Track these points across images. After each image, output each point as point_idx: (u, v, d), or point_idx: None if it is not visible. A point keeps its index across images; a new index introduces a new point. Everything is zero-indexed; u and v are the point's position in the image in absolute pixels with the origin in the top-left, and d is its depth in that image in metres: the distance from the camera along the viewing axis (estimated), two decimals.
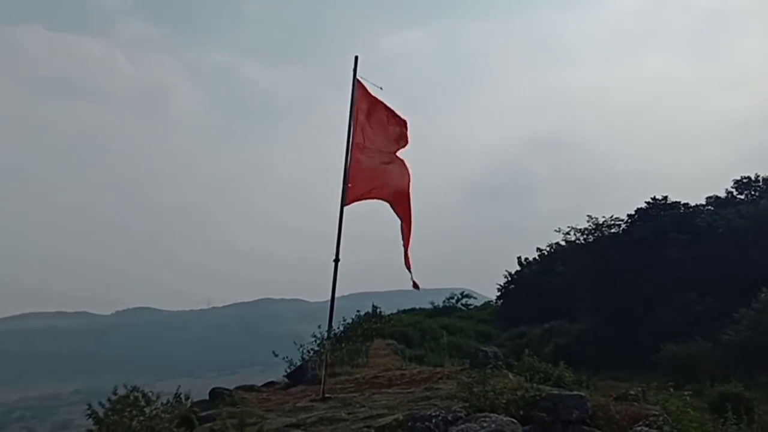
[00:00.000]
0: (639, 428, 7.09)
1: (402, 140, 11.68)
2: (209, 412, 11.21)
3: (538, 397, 7.48)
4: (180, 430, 12.61)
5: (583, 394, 7.66)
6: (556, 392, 7.69)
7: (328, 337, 11.55)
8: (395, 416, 8.16)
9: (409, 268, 11.33)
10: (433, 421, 6.48)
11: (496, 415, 6.34)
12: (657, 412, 7.52)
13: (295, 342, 21.40)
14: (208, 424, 9.96)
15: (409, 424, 6.64)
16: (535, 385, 8.31)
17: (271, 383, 14.69)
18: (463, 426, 5.96)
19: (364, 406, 9.78)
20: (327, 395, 10.97)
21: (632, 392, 9.10)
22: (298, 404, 10.81)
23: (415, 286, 11.52)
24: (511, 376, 12.07)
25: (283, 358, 18.74)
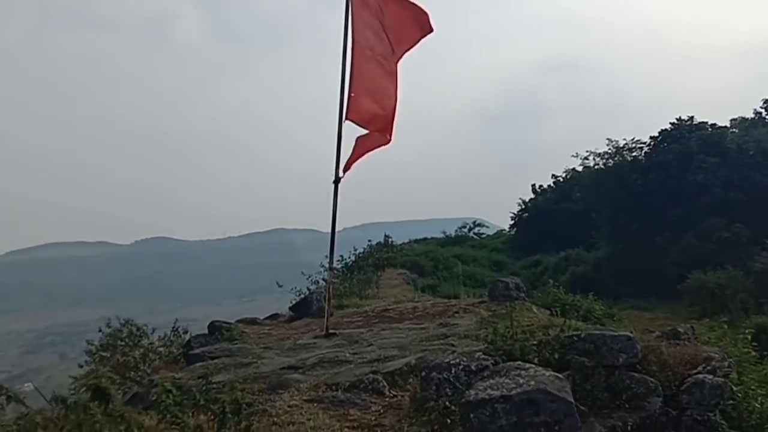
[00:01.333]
0: (700, 375, 5.97)
1: (423, 28, 10.24)
2: (204, 348, 10.29)
3: (575, 338, 6.30)
4: (175, 365, 11.85)
5: (631, 334, 6.47)
6: (597, 332, 6.48)
7: (330, 268, 10.45)
8: (407, 359, 7.10)
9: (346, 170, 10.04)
10: (453, 371, 5.30)
11: (534, 367, 5.03)
12: (716, 354, 6.36)
13: (303, 272, 20.55)
14: (200, 364, 9.03)
15: (423, 373, 5.50)
16: (572, 322, 7.17)
17: (275, 316, 13.77)
18: (492, 381, 4.75)
19: (371, 345, 8.76)
20: (332, 331, 9.98)
21: (681, 329, 7.90)
22: (300, 341, 9.83)
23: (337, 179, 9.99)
24: (534, 310, 11.01)
25: (291, 289, 17.85)
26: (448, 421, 4.95)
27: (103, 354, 11.84)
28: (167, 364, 11.85)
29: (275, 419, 5.49)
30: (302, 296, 13.97)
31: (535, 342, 6.28)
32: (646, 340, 6.79)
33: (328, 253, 10.71)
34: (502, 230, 61.05)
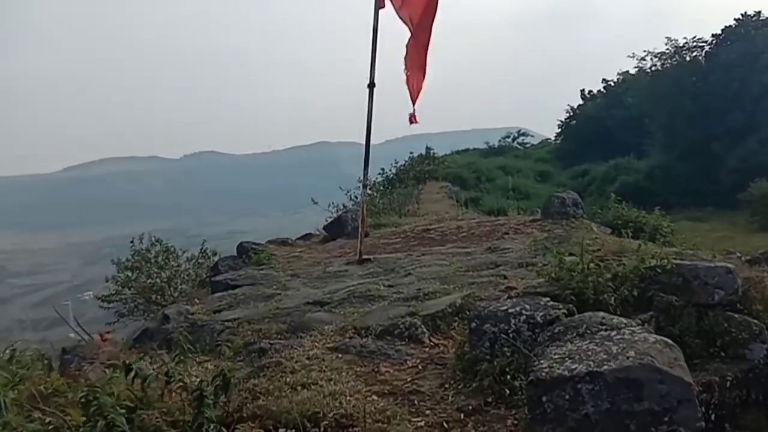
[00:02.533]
0: None
1: None
2: (229, 275, 9.39)
3: (659, 270, 5.06)
4: (201, 290, 11.06)
5: (731, 265, 5.18)
6: (687, 262, 5.22)
7: (364, 186, 9.27)
8: (451, 298, 5.96)
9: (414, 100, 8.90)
10: (512, 323, 4.09)
11: (628, 324, 3.56)
12: None
13: (341, 187, 19.54)
14: (219, 294, 8.13)
15: (473, 324, 4.33)
16: (650, 247, 5.91)
17: (308, 236, 12.80)
18: (570, 347, 3.40)
19: (409, 275, 7.67)
20: (365, 257, 8.91)
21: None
22: (330, 268, 8.81)
23: (413, 119, 8.97)
24: (595, 229, 9.75)
25: (329, 205, 16.81)
26: (506, 391, 3.84)
27: (129, 275, 11.13)
28: (193, 290, 11.10)
29: (287, 379, 4.47)
30: (337, 214, 12.90)
31: (608, 275, 5.06)
32: (741, 268, 5.48)
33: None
34: (547, 139, 59.18)
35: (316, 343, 5.43)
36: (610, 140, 41.82)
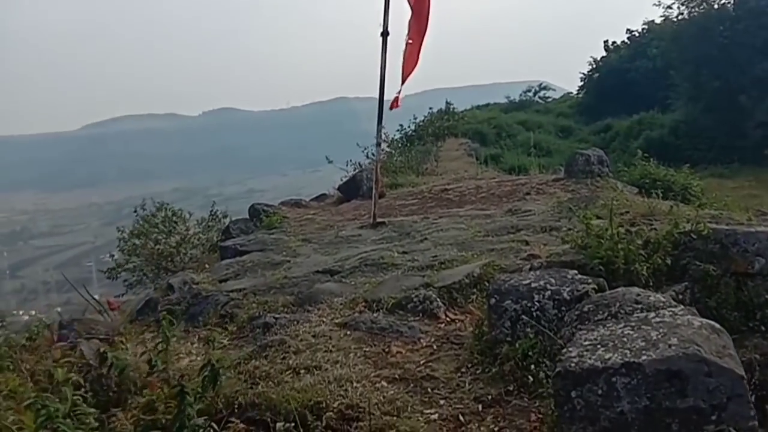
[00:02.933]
0: None
1: None
2: (238, 240, 9.07)
3: (693, 236, 4.58)
4: (212, 255, 10.75)
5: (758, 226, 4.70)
6: (725, 227, 4.73)
7: (378, 144, 8.79)
8: (469, 267, 5.52)
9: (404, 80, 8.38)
10: (536, 299, 3.66)
11: (668, 303, 3.24)
12: None
13: (358, 144, 19.02)
14: (227, 261, 7.79)
15: (493, 300, 3.90)
16: (682, 208, 5.42)
17: (322, 197, 12.42)
18: (602, 331, 2.85)
19: (425, 240, 7.26)
20: (380, 220, 8.51)
21: None
22: (343, 232, 8.42)
23: (395, 104, 8.51)
24: (621, 188, 9.25)
25: (347, 162, 16.34)
26: (529, 378, 3.43)
27: (136, 242, 10.79)
28: (204, 255, 10.80)
29: (291, 360, 4.11)
30: (352, 174, 12.44)
31: (640, 242, 4.61)
32: None
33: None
34: (569, 93, 57.91)
35: (324, 318, 5.07)
36: (634, 94, 40.62)
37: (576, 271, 3.89)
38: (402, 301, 4.98)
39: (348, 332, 4.65)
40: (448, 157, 19.15)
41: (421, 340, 4.38)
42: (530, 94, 54.16)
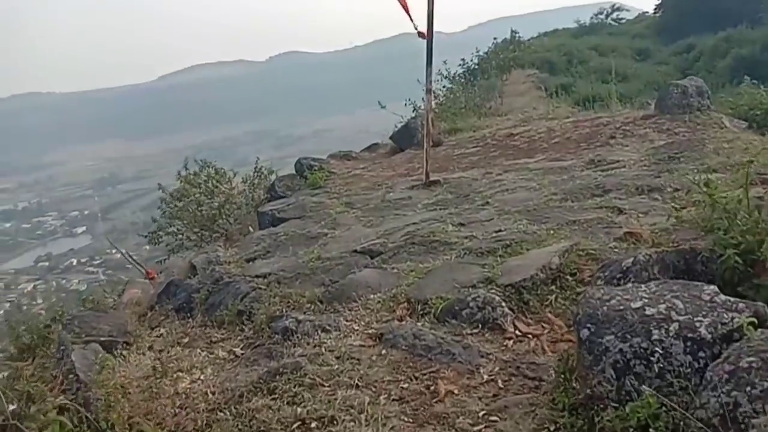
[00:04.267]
0: None
1: None
2: (277, 204, 8.00)
3: None
4: (254, 217, 9.73)
5: None
6: None
7: (427, 92, 7.39)
8: (545, 254, 4.13)
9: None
10: (657, 337, 2.17)
11: None
12: None
13: (418, 80, 17.45)
14: (259, 234, 6.71)
15: (586, 332, 2.43)
16: None
17: (374, 146, 11.16)
18: None
19: (486, 204, 5.97)
20: (433, 178, 7.23)
21: None
22: (391, 194, 7.19)
23: (421, 35, 7.01)
24: (727, 124, 7.67)
25: (405, 103, 14.85)
26: None
27: (177, 204, 9.88)
28: (247, 215, 9.81)
29: (298, 410, 3.00)
30: (405, 121, 11.07)
31: None
32: None
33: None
34: (644, 13, 53.84)
35: (355, 325, 3.94)
36: (719, 9, 37.05)
37: (715, 288, 2.55)
38: (455, 305, 3.77)
39: (383, 351, 3.49)
40: (515, 92, 17.44)
41: (481, 370, 3.17)
42: (602, 16, 50.80)
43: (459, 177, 7.26)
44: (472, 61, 21.65)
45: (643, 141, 7.33)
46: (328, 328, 3.98)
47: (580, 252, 4.13)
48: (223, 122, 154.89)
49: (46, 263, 66.60)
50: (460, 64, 21.43)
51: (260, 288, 5.00)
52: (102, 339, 4.63)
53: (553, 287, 3.85)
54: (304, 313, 4.36)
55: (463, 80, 19.35)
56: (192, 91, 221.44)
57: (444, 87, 18.26)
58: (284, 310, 4.47)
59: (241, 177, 10.99)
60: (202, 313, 5.17)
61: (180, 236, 9.94)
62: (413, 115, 11.75)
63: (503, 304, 3.69)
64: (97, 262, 61.57)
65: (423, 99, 8.90)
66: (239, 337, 4.41)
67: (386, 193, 7.27)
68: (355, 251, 5.32)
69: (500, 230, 5.04)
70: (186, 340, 4.68)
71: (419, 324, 3.74)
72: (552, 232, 4.74)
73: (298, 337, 3.97)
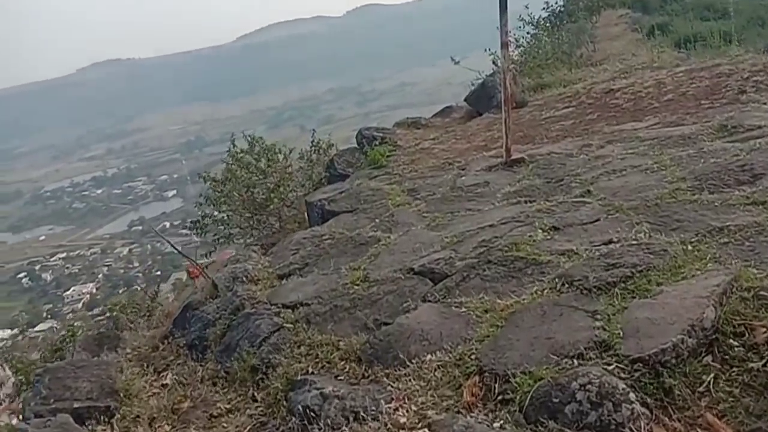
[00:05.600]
0: None
1: None
2: (329, 193, 6.72)
3: None
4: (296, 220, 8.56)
5: None
6: None
7: (503, 46, 5.85)
8: (697, 299, 2.66)
9: None
10: None
11: None
12: None
13: (497, 27, 15.53)
14: (300, 236, 5.48)
15: None
16: None
17: (447, 110, 9.68)
18: None
19: (588, 194, 4.50)
20: (516, 155, 5.77)
21: None
22: (463, 178, 5.79)
23: None
24: None
25: (486, 52, 12.89)
26: None
27: (223, 189, 8.75)
28: (304, 197, 8.65)
29: None
30: (482, 80, 9.50)
31: None
32: None
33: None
34: None
35: (402, 412, 2.66)
36: None
37: None
38: (553, 394, 2.41)
39: None
40: (607, 35, 15.35)
41: None
42: None
43: (548, 152, 5.75)
44: (557, 3, 19.49)
45: None
46: (363, 415, 2.74)
47: (745, 292, 2.67)
48: (303, 80, 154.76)
49: (140, 227, 68.65)
50: (543, 8, 19.35)
51: (286, 326, 3.81)
52: (77, 406, 3.56)
53: (710, 360, 2.43)
54: (336, 377, 3.13)
55: (548, 25, 17.33)
56: (271, 51, 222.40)
57: (528, 33, 16.32)
58: (310, 369, 3.26)
59: (298, 152, 9.80)
60: (216, 356, 4.06)
61: (227, 224, 8.86)
62: (491, 71, 10.15)
63: (631, 395, 2.31)
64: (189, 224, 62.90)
65: (499, 54, 7.37)
66: (248, 411, 3.24)
67: (458, 176, 5.87)
68: (412, 270, 4.01)
69: (611, 242, 3.60)
70: (185, 405, 3.55)
71: (497, 424, 2.43)
72: (690, 248, 3.27)
73: (320, 426, 2.75)
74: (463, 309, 3.36)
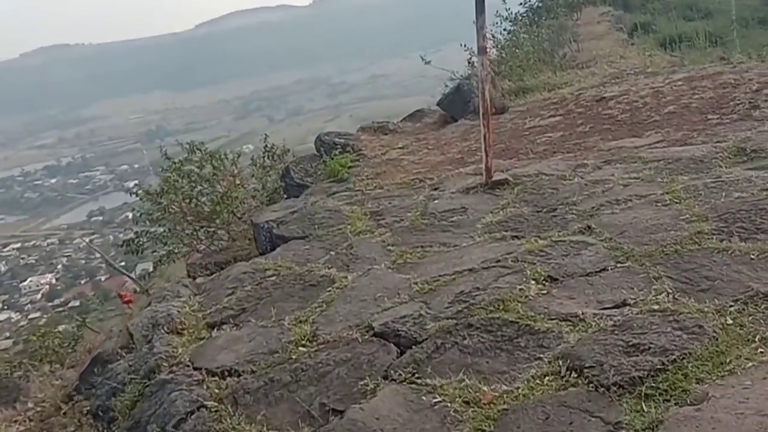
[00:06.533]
0: None
1: None
2: (280, 212, 5.80)
3: None
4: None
5: None
6: None
7: (480, 52, 4.96)
8: (756, 414, 1.93)
9: None
10: None
11: None
12: None
13: (473, 21, 14.55)
14: (238, 272, 4.58)
15: None
16: None
17: (418, 115, 8.83)
18: None
19: (589, 232, 3.70)
20: (498, 177, 4.95)
21: None
22: (436, 201, 4.95)
23: None
24: None
25: (462, 46, 11.86)
26: None
27: (160, 202, 7.76)
28: (259, 208, 7.77)
29: None
30: (456, 84, 8.65)
31: None
32: None
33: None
34: None
35: None
36: None
37: None
38: None
39: None
40: (591, 35, 14.61)
41: None
42: None
43: (536, 173, 4.94)
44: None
45: None
46: None
47: None
48: (270, 71, 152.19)
49: (100, 218, 66.64)
50: (520, 3, 18.55)
51: (207, 405, 2.94)
52: None
53: None
54: None
55: (527, 21, 16.52)
56: (234, 40, 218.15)
57: (505, 30, 15.46)
58: None
59: (251, 158, 8.88)
60: None
61: (168, 241, 7.89)
62: (467, 73, 9.32)
63: None
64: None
65: (476, 61, 6.52)
66: None
67: (430, 198, 5.04)
68: (372, 329, 3.17)
69: (626, 304, 2.82)
70: None
71: None
72: (731, 321, 2.50)
73: None
74: (438, 397, 2.54)
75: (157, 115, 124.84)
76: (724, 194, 3.75)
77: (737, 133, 4.86)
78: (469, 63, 10.26)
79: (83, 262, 55.14)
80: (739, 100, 5.71)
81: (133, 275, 10.50)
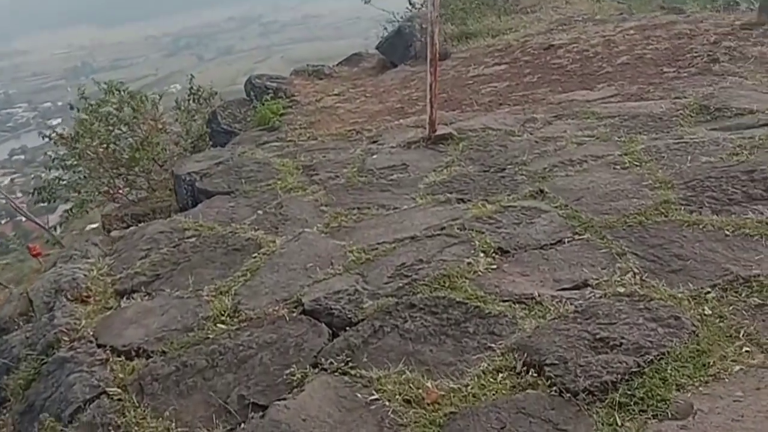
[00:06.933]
0: None
1: None
2: (198, 165, 5.27)
3: None
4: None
5: None
6: None
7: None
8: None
9: None
10: None
11: None
12: None
13: None
14: (154, 230, 4.10)
15: None
16: None
17: (356, 58, 8.32)
18: None
19: (541, 197, 3.38)
20: (442, 131, 4.56)
21: None
22: (375, 156, 4.54)
23: None
24: None
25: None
26: None
27: (75, 147, 7.08)
28: (185, 154, 7.25)
29: None
30: (396, 26, 8.14)
31: None
32: None
33: None
34: None
35: None
36: None
37: None
38: None
39: None
40: None
41: None
42: None
43: (483, 127, 4.57)
44: None
45: (762, 62, 4.71)
46: None
47: None
48: (200, 7, 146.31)
49: (22, 156, 63.53)
50: None
51: (109, 395, 2.53)
52: None
53: None
54: None
55: None
56: None
57: None
58: None
59: (175, 100, 8.21)
60: (14, 420, 2.79)
61: (82, 189, 7.25)
62: (408, 14, 8.80)
63: None
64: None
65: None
66: None
67: (368, 152, 4.62)
68: (302, 306, 2.79)
69: (587, 285, 2.51)
70: None
71: None
72: (710, 312, 2.21)
73: None
74: (375, 393, 2.19)
75: (83, 51, 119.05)
76: (689, 158, 3.46)
77: (697, 89, 4.59)
78: (410, 4, 9.74)
79: (3, 202, 52.56)
80: (696, 52, 5.45)
81: (48, 220, 9.76)
